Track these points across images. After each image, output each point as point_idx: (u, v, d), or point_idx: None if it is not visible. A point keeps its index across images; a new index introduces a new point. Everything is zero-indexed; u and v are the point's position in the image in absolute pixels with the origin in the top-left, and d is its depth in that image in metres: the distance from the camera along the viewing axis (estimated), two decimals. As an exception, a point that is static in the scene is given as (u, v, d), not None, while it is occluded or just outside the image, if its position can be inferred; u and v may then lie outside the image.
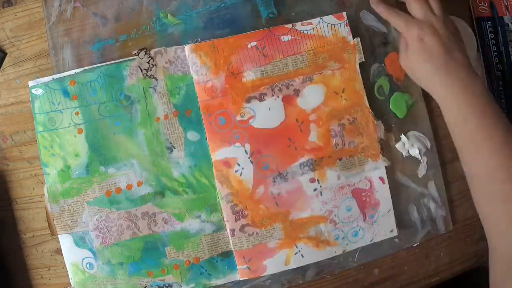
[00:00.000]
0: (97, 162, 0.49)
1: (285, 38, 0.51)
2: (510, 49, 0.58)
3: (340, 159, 0.52)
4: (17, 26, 0.51)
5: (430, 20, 0.47)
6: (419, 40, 0.46)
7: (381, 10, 0.51)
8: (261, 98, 0.51)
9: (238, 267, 0.50)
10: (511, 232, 0.42)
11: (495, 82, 0.57)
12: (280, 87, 0.51)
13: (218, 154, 0.50)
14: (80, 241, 0.49)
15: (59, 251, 0.50)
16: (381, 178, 0.52)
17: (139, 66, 0.50)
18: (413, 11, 0.48)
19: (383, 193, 0.52)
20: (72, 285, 0.50)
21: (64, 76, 0.49)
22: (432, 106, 0.56)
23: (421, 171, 0.54)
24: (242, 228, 0.50)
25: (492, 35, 0.58)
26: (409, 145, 0.54)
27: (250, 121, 0.51)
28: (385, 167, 0.52)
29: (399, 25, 0.48)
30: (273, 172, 0.51)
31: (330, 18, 0.52)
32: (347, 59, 0.52)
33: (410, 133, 0.54)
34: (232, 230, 0.50)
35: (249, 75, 0.51)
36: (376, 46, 0.54)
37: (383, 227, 0.52)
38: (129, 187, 0.49)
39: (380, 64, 0.54)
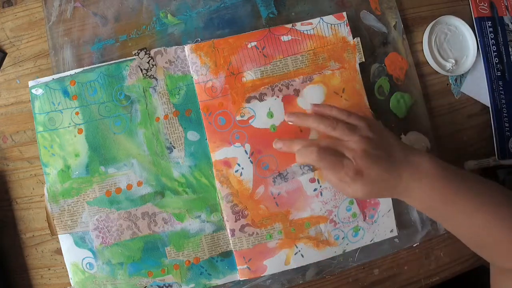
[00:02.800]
0: (97, 162, 0.49)
1: (285, 38, 0.51)
2: (510, 49, 0.58)
3: (340, 159, 0.51)
4: (17, 26, 0.51)
5: (353, 147, 0.44)
6: (359, 175, 0.43)
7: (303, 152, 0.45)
8: (261, 98, 0.51)
9: (238, 267, 0.50)
10: None
11: (495, 82, 0.57)
12: (280, 87, 0.51)
13: (218, 154, 0.50)
14: (80, 241, 0.49)
15: (59, 251, 0.50)
16: (381, 178, 0.52)
17: (139, 66, 0.50)
18: (338, 137, 0.45)
19: (383, 193, 0.52)
20: (72, 285, 0.49)
21: (64, 76, 0.49)
22: (432, 106, 0.56)
23: (421, 171, 0.54)
24: (242, 228, 0.50)
25: (492, 35, 0.58)
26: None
27: (250, 121, 0.51)
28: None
29: (329, 170, 0.44)
30: (273, 172, 0.51)
31: (330, 18, 0.52)
32: (347, 59, 0.52)
33: (410, 133, 0.54)
34: (232, 230, 0.50)
35: (249, 75, 0.51)
36: (376, 46, 0.54)
37: (383, 227, 0.52)
38: (129, 187, 0.49)
39: (380, 64, 0.54)
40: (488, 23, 0.58)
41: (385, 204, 0.52)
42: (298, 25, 0.52)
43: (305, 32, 0.52)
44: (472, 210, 0.43)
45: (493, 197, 0.43)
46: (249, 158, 0.50)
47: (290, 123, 0.50)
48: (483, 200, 0.43)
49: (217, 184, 0.50)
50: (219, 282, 0.51)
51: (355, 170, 0.43)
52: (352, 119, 0.46)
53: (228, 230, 0.50)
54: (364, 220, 0.52)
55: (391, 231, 0.53)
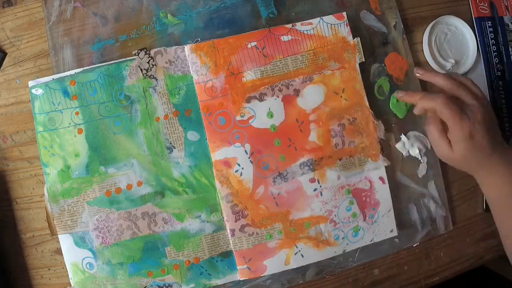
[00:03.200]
0: (97, 162, 0.49)
1: (285, 38, 0.51)
2: (510, 49, 0.58)
3: (340, 159, 0.52)
4: (17, 26, 0.51)
5: (475, 110, 0.46)
6: (471, 137, 0.45)
7: (426, 100, 0.48)
8: (261, 98, 0.51)
9: (238, 267, 0.50)
10: None
11: (495, 82, 0.57)
12: (280, 87, 0.51)
13: (218, 154, 0.50)
14: (80, 241, 0.49)
15: (59, 251, 0.50)
16: (381, 178, 0.52)
17: (139, 66, 0.50)
18: (462, 98, 0.47)
19: (383, 193, 0.52)
20: (72, 285, 0.49)
21: (64, 76, 0.49)
22: (432, 106, 0.56)
23: (421, 171, 0.54)
24: (242, 228, 0.50)
25: (492, 35, 0.58)
26: (409, 145, 0.54)
27: (250, 121, 0.51)
28: (385, 167, 0.52)
29: (449, 118, 0.46)
30: (273, 172, 0.51)
31: (330, 18, 0.52)
32: (347, 59, 0.52)
33: (410, 133, 0.54)
34: (232, 230, 0.50)
35: (249, 75, 0.51)
36: (376, 46, 0.54)
37: (383, 227, 0.52)
38: (129, 187, 0.49)
39: (380, 64, 0.54)
40: (488, 23, 0.58)
41: (385, 204, 0.52)
42: (298, 25, 0.52)
43: (305, 32, 0.52)
44: None
45: None
46: (249, 158, 0.50)
47: (417, 75, 0.52)
48: None
49: (217, 184, 0.50)
50: (219, 282, 0.51)
51: (470, 130, 0.45)
52: (476, 88, 0.48)
53: (228, 230, 0.50)
54: (364, 220, 0.52)
55: (391, 231, 0.53)
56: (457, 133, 0.46)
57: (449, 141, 0.47)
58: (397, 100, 0.54)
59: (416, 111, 0.50)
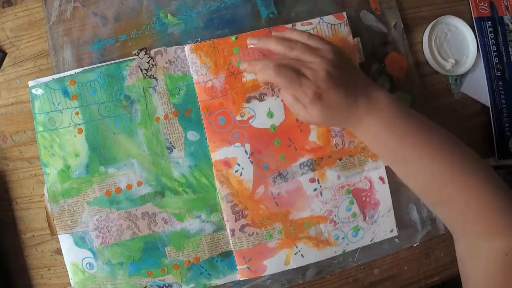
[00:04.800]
0: (97, 162, 0.49)
1: (285, 38, 0.51)
2: (510, 49, 0.58)
3: (340, 159, 0.52)
4: (17, 26, 0.51)
5: (315, 67, 0.42)
6: (319, 98, 0.42)
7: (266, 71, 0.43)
8: (261, 98, 0.51)
9: (238, 267, 0.50)
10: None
11: (495, 82, 0.57)
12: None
13: (218, 154, 0.50)
14: (80, 241, 0.49)
15: (59, 251, 0.50)
16: (381, 178, 0.52)
17: (139, 66, 0.50)
18: (300, 58, 0.44)
19: (383, 193, 0.52)
20: (72, 285, 0.50)
21: (64, 76, 0.49)
22: (432, 106, 0.56)
23: (421, 171, 0.54)
24: (242, 228, 0.50)
25: (492, 35, 0.58)
26: (409, 145, 0.53)
27: (250, 121, 0.51)
28: (385, 167, 0.52)
29: (287, 87, 0.42)
30: (273, 172, 0.51)
31: (330, 18, 0.52)
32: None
33: (410, 133, 0.54)
34: (232, 230, 0.50)
35: (249, 75, 0.51)
36: (376, 46, 0.54)
37: (383, 227, 0.52)
38: (129, 187, 0.49)
39: (380, 64, 0.54)
40: (488, 23, 0.58)
41: (385, 204, 0.52)
42: (298, 25, 0.51)
43: (305, 32, 0.52)
44: (428, 154, 0.41)
45: (451, 146, 0.42)
46: (249, 158, 0.50)
47: (251, 46, 0.49)
48: (440, 148, 0.41)
49: (217, 184, 0.50)
50: (219, 282, 0.51)
51: (315, 92, 0.41)
52: (313, 41, 0.44)
53: (228, 230, 0.50)
54: (364, 220, 0.52)
55: (391, 231, 0.53)
56: (303, 99, 0.42)
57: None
58: None
59: (260, 83, 0.48)
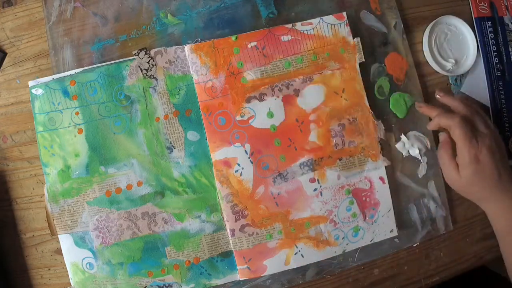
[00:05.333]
0: (97, 162, 0.49)
1: (285, 38, 0.51)
2: (510, 49, 0.58)
3: (340, 159, 0.52)
4: (17, 26, 0.51)
5: (484, 137, 0.48)
6: (477, 161, 0.47)
7: (439, 118, 0.50)
8: (261, 98, 0.51)
9: (238, 267, 0.50)
10: None
11: (495, 82, 0.57)
12: (280, 87, 0.51)
13: (218, 154, 0.50)
14: (80, 241, 0.49)
15: (59, 251, 0.50)
16: (381, 178, 0.52)
17: (139, 66, 0.50)
18: (475, 124, 0.49)
19: (383, 193, 0.52)
20: (72, 285, 0.50)
21: (64, 76, 0.49)
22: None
23: (421, 171, 0.54)
24: (242, 228, 0.50)
25: (492, 35, 0.58)
26: (409, 145, 0.54)
27: (250, 121, 0.51)
28: (385, 167, 0.52)
29: (460, 139, 0.48)
30: (273, 172, 0.51)
31: (330, 18, 0.52)
32: (347, 59, 0.52)
33: (410, 133, 0.54)
34: (232, 230, 0.50)
35: (249, 75, 0.51)
36: (376, 46, 0.54)
37: (383, 227, 0.52)
38: (129, 187, 0.49)
39: (380, 64, 0.54)
40: (488, 23, 0.58)
41: (385, 204, 0.52)
42: (298, 25, 0.51)
43: (305, 32, 0.52)
44: None
45: None
46: (249, 158, 0.50)
47: (438, 97, 0.53)
48: None
49: (217, 184, 0.50)
50: (219, 282, 0.51)
51: (476, 154, 0.47)
52: (488, 120, 0.51)
53: (228, 230, 0.50)
54: (364, 220, 0.52)
55: (391, 231, 0.53)
56: (464, 155, 0.47)
57: (458, 166, 0.49)
58: (398, 102, 0.54)
59: (430, 126, 0.52)
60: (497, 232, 0.50)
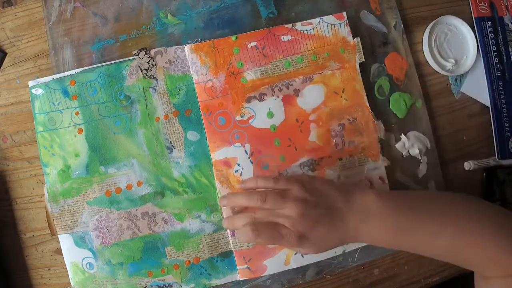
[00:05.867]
0: (97, 162, 0.49)
1: (285, 38, 0.51)
2: (510, 49, 0.58)
3: (340, 159, 0.52)
4: (17, 26, 0.51)
5: (290, 219, 0.42)
6: (306, 240, 0.43)
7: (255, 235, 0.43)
8: (261, 98, 0.51)
9: (238, 267, 0.50)
10: None
11: (495, 82, 0.57)
12: (280, 87, 0.51)
13: (218, 154, 0.50)
14: (80, 241, 0.49)
15: (59, 251, 0.50)
16: (381, 178, 0.52)
17: (139, 66, 0.50)
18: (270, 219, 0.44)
19: (383, 193, 0.52)
20: (72, 285, 0.49)
21: (64, 76, 0.49)
22: (432, 106, 0.56)
23: (421, 171, 0.54)
24: (242, 228, 0.50)
25: (492, 35, 0.58)
26: (409, 145, 0.54)
27: (250, 121, 0.51)
28: (385, 167, 0.52)
29: (268, 242, 0.44)
30: (273, 172, 0.51)
31: (330, 18, 0.52)
32: (347, 59, 0.52)
33: (410, 133, 0.54)
34: (232, 230, 0.50)
35: (249, 75, 0.51)
36: (376, 46, 0.54)
37: (383, 227, 0.52)
38: (129, 187, 0.49)
39: (380, 64, 0.54)
40: (488, 23, 0.58)
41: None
42: (298, 25, 0.51)
43: (305, 32, 0.52)
44: (432, 235, 0.42)
45: (451, 214, 0.42)
46: (249, 158, 0.50)
47: (223, 206, 0.49)
48: (441, 221, 0.42)
49: (217, 184, 0.50)
50: (219, 282, 0.51)
51: (297, 237, 0.42)
52: (281, 184, 0.45)
53: (228, 230, 0.50)
54: (364, 220, 0.52)
55: (391, 231, 0.52)
56: (290, 247, 0.44)
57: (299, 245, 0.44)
58: (398, 102, 0.54)
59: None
60: (416, 251, 0.44)
